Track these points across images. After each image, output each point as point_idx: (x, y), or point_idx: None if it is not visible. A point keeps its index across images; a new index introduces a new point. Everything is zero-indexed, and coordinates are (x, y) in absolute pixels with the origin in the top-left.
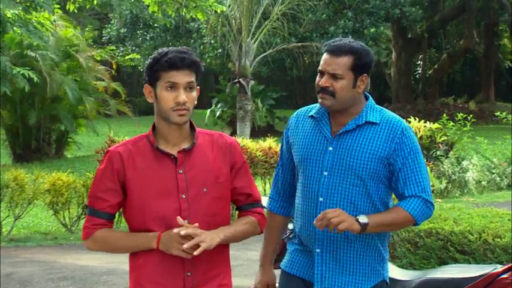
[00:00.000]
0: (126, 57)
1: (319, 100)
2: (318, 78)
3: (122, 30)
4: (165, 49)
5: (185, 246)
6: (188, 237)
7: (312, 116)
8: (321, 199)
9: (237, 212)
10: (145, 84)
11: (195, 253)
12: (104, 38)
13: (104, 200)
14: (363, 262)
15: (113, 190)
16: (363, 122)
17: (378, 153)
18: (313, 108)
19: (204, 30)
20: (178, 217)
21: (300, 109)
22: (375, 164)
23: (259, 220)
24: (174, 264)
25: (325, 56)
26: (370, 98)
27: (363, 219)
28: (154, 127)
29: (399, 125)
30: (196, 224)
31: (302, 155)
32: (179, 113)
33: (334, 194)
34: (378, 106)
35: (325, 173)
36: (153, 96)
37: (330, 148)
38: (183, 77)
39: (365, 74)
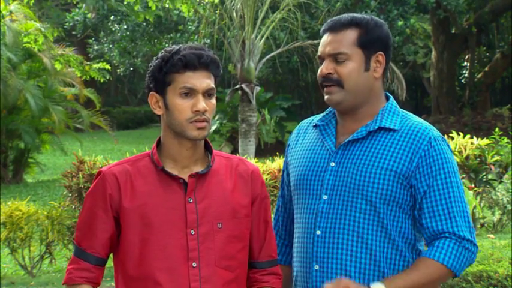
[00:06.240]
0: (94, 65)
1: (325, 97)
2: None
3: (89, 16)
4: (175, 46)
5: None
6: None
7: (316, 126)
8: (318, 232)
9: None
10: (151, 92)
11: None
12: (67, 24)
13: (93, 235)
14: None
15: (104, 222)
16: (376, 127)
17: (394, 168)
18: (320, 115)
19: (190, 14)
20: None
21: (305, 120)
22: (389, 183)
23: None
24: None
25: (323, 37)
26: (392, 98)
27: (376, 286)
28: (158, 143)
29: (426, 133)
30: None
31: (297, 175)
32: (198, 125)
33: (336, 225)
34: (401, 110)
35: (325, 197)
36: (162, 106)
37: (332, 164)
38: (202, 80)
39: (380, 52)
